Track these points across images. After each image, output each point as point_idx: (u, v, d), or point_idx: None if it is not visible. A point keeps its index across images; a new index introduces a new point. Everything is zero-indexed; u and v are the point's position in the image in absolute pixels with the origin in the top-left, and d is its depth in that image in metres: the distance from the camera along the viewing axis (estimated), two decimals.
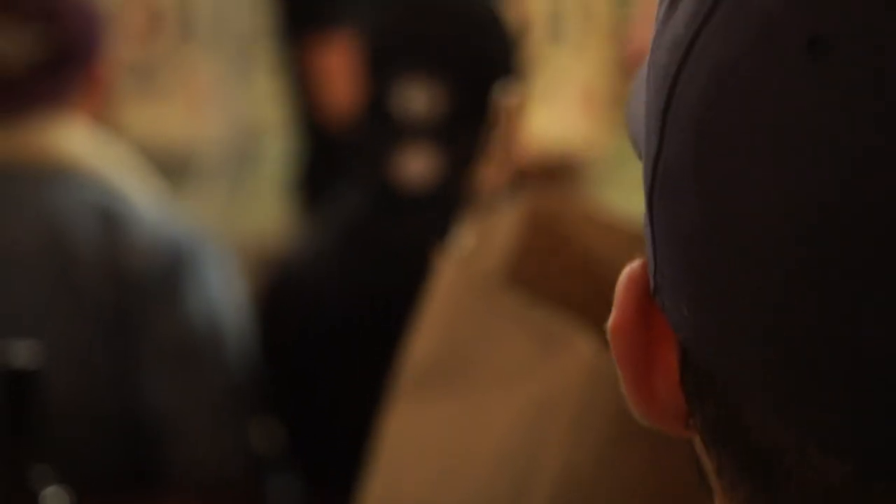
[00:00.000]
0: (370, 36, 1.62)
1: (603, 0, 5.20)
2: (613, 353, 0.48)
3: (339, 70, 2.73)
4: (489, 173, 1.46)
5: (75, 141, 1.71)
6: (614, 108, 5.97)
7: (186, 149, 6.34)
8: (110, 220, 1.65)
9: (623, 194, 5.29)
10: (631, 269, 0.49)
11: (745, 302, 0.42)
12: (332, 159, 2.90)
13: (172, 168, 6.35)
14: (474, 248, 1.01)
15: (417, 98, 1.55)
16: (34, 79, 1.70)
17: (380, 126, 1.58)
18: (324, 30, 2.87)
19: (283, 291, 1.67)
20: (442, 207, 1.53)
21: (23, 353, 1.10)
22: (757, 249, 0.42)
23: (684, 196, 0.44)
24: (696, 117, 0.44)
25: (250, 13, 6.79)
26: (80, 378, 1.62)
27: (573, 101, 5.10)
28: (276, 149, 6.82)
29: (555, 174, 3.44)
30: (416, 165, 1.55)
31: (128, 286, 1.64)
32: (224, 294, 1.70)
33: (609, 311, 0.48)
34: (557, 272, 1.02)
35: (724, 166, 0.43)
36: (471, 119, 1.56)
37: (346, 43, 2.78)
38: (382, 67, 1.58)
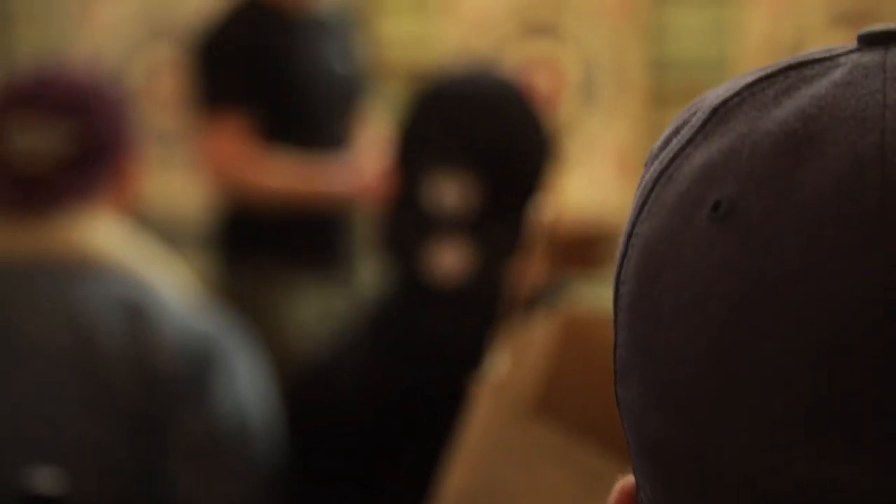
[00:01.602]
0: (402, 128, 1.59)
1: (636, 63, 5.19)
2: None
3: (226, 149, 2.78)
4: (523, 279, 1.47)
5: (102, 235, 1.70)
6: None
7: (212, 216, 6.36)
8: (137, 316, 1.64)
9: None
10: (625, 482, 0.51)
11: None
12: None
13: (199, 235, 6.39)
14: (509, 372, 0.99)
15: (449, 191, 1.53)
16: (61, 174, 1.69)
17: (411, 219, 1.56)
18: (216, 108, 2.90)
19: (310, 383, 1.64)
20: (473, 303, 1.52)
21: (47, 479, 1.08)
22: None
23: (631, 380, 0.48)
24: (631, 297, 0.48)
25: None
26: (107, 478, 1.60)
27: (607, 164, 5.07)
28: None
29: (592, 241, 3.41)
30: (448, 259, 1.52)
31: (156, 384, 1.62)
32: (252, 389, 1.68)
33: None
34: (595, 383, 1.02)
35: (657, 340, 0.47)
36: (504, 212, 1.54)
37: (233, 122, 2.83)
38: (414, 160, 1.56)
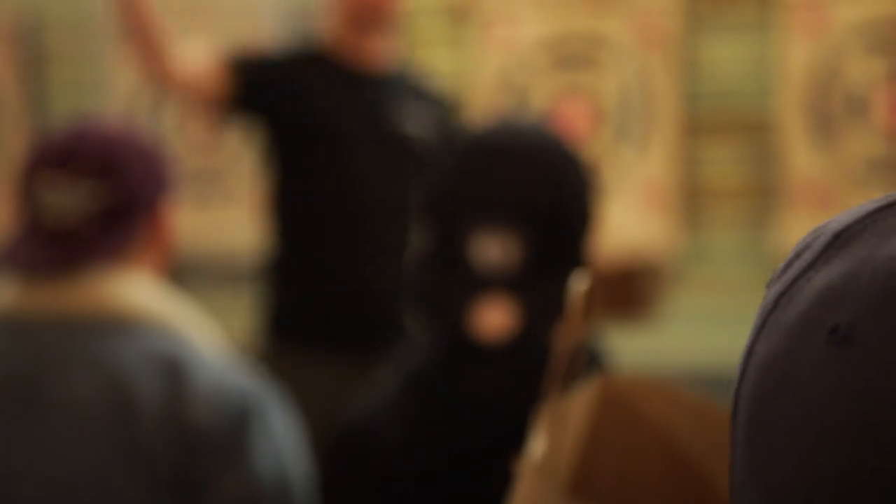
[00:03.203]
0: (440, 183, 1.55)
1: (669, 94, 5.16)
2: None
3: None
4: (568, 339, 1.45)
5: (137, 292, 1.69)
6: (683, 206, 5.89)
7: (249, 254, 6.38)
8: (174, 372, 1.63)
9: (696, 292, 5.17)
10: None
11: None
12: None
13: (236, 273, 6.38)
14: (546, 448, 0.97)
15: (494, 248, 1.49)
16: (93, 231, 1.69)
17: (453, 276, 1.52)
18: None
19: (348, 439, 1.61)
20: (517, 360, 1.49)
21: None
22: None
23: (746, 498, 0.49)
24: (748, 416, 0.49)
25: None
26: None
27: (640, 197, 5.05)
28: None
29: (630, 276, 3.39)
30: (493, 317, 1.49)
31: (194, 442, 1.61)
32: (291, 445, 1.67)
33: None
34: (634, 456, 1.02)
35: (773, 461, 0.47)
36: (550, 269, 1.51)
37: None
38: (455, 216, 1.52)
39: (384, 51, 2.98)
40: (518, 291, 1.49)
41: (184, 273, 4.70)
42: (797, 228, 6.12)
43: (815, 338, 0.47)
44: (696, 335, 6.33)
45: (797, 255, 0.53)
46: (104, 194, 1.69)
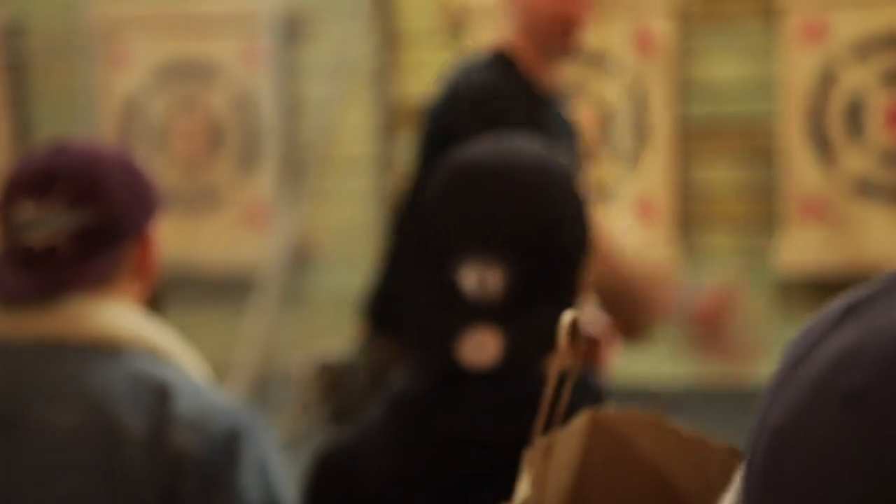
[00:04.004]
0: (429, 210, 1.52)
1: (661, 112, 5.13)
2: None
3: None
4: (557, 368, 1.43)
5: (121, 317, 1.67)
6: (673, 221, 5.85)
7: (246, 268, 6.34)
8: (159, 397, 1.61)
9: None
10: None
11: None
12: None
13: (233, 287, 6.34)
14: (538, 486, 0.95)
15: (476, 278, 1.47)
16: (77, 258, 1.67)
17: (441, 305, 1.50)
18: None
19: (330, 466, 1.59)
20: (502, 391, 1.47)
21: None
22: None
23: None
24: (761, 474, 0.51)
25: (306, 137, 6.81)
26: None
27: (634, 213, 5.01)
28: (327, 269, 6.84)
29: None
30: (476, 347, 1.46)
31: (179, 467, 1.59)
32: (277, 470, 1.65)
33: None
34: (626, 483, 1.02)
35: None
36: (537, 295, 1.48)
37: None
38: (444, 245, 1.50)
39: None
40: (503, 322, 1.46)
41: (181, 289, 4.66)
42: (796, 245, 6.10)
43: (829, 399, 0.50)
44: (691, 356, 6.29)
45: (813, 323, 0.55)
46: (88, 221, 1.67)
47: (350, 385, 2.70)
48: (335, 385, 2.67)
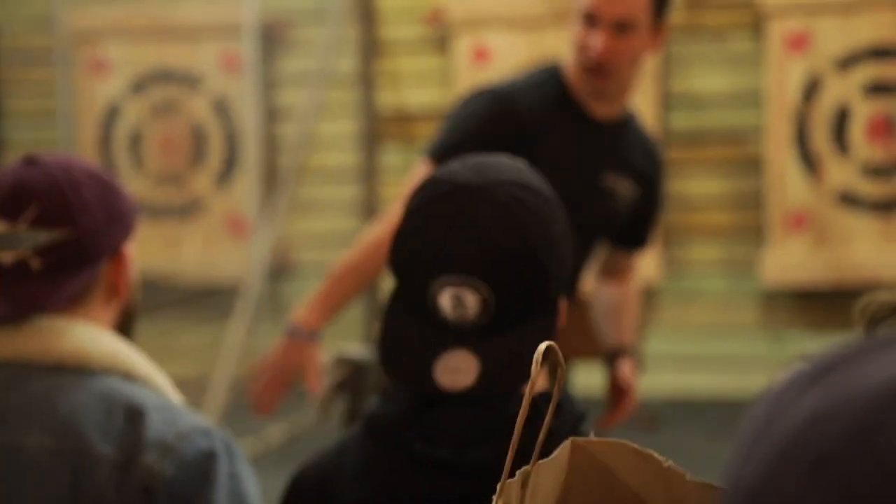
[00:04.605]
0: (403, 232, 1.49)
1: (648, 123, 5.10)
2: None
3: None
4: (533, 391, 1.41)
5: (93, 339, 1.65)
6: (661, 237, 5.79)
7: (227, 278, 6.29)
8: (131, 419, 1.60)
9: (675, 322, 5.11)
10: None
11: None
12: None
13: (214, 297, 6.28)
14: None
15: (452, 301, 1.43)
16: (48, 278, 1.64)
17: (416, 327, 1.47)
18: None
19: (303, 486, 1.57)
20: (479, 414, 1.44)
21: None
22: None
23: None
24: None
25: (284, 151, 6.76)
26: None
27: None
28: (308, 279, 6.82)
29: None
30: (452, 370, 1.43)
31: (153, 489, 1.57)
32: (252, 492, 1.65)
33: None
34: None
35: None
36: (515, 317, 1.45)
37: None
38: (418, 265, 1.46)
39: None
40: (481, 345, 1.44)
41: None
42: (781, 256, 6.08)
43: (801, 461, 0.51)
44: (677, 368, 6.28)
45: (790, 378, 0.56)
46: (61, 240, 1.64)
47: (365, 383, 2.62)
48: (350, 381, 2.62)
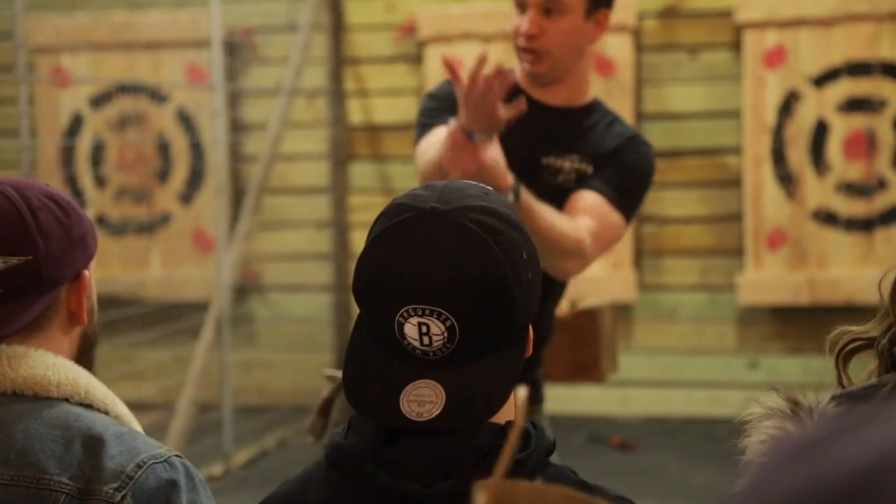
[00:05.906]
0: (364, 265, 1.44)
1: None
2: None
3: None
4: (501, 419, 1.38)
5: (51, 367, 1.63)
6: (632, 251, 5.73)
7: (194, 297, 6.19)
8: (90, 447, 1.57)
9: (651, 340, 5.05)
10: None
11: None
12: None
13: (182, 316, 6.18)
14: None
15: (420, 329, 1.39)
16: (5, 304, 1.61)
17: (379, 358, 1.43)
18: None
19: None
20: (444, 445, 1.41)
21: None
22: None
23: None
24: None
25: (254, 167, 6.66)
26: None
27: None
28: (275, 296, 6.68)
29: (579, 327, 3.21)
30: (417, 401, 1.40)
31: None
32: None
33: None
34: None
35: None
36: (483, 344, 1.41)
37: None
38: (382, 293, 1.41)
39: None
40: (445, 375, 1.40)
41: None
42: (759, 274, 6.01)
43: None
44: (652, 388, 6.21)
45: (776, 451, 0.57)
46: (18, 267, 1.61)
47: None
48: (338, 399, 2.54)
